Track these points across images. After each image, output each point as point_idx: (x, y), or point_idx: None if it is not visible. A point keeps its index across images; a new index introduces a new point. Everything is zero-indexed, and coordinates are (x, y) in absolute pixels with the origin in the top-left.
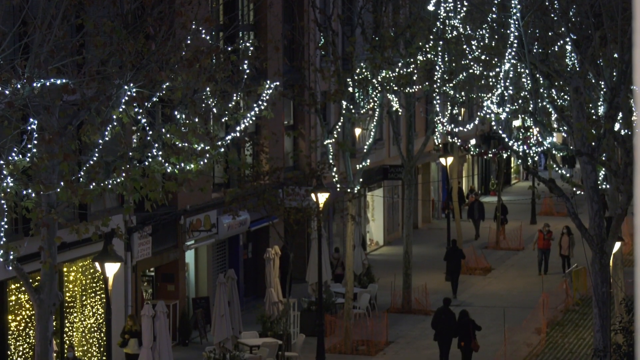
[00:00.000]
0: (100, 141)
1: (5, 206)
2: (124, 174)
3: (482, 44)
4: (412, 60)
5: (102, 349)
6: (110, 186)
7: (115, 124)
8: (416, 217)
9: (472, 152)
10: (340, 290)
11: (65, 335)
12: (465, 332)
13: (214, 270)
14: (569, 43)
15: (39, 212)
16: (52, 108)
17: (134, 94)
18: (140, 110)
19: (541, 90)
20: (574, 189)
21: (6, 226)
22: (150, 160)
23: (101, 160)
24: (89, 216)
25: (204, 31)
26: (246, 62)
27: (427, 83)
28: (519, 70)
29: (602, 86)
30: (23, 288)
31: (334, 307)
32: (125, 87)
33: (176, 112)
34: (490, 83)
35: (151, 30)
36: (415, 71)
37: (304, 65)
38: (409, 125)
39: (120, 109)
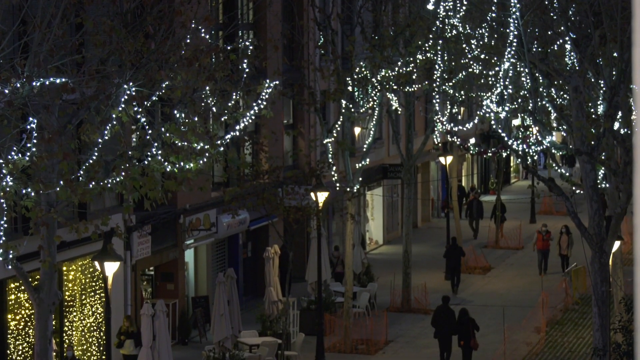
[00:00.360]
0: (100, 140)
1: (4, 205)
2: (123, 173)
3: (481, 43)
4: (411, 59)
5: (101, 348)
6: (109, 185)
7: (114, 123)
8: (416, 216)
9: (471, 151)
10: (340, 289)
11: (64, 335)
12: (464, 330)
13: (213, 269)
14: (569, 42)
15: (38, 211)
16: (51, 107)
17: (134, 93)
18: (140, 109)
19: (540, 89)
20: (574, 188)
21: (6, 225)
22: (149, 159)
23: (101, 159)
24: (89, 215)
25: (203, 30)
26: (245, 61)
27: (426, 82)
28: (518, 69)
29: (602, 85)
30: (22, 287)
31: (333, 306)
32: (125, 86)
33: (176, 111)
34: (490, 82)
35: (151, 29)
36: (415, 70)
37: (304, 65)
38: (409, 124)
39: (120, 108)
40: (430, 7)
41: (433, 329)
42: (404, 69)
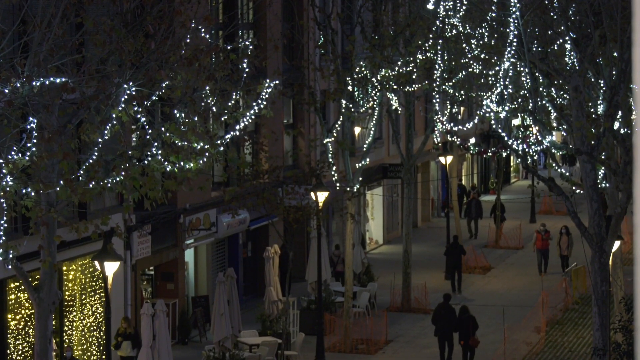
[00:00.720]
0: (100, 140)
1: (4, 205)
2: (123, 173)
3: (481, 42)
4: (411, 59)
5: (101, 348)
6: (109, 185)
7: (114, 122)
8: (416, 216)
9: (471, 151)
10: (340, 289)
11: (64, 334)
12: (464, 329)
13: (213, 269)
14: (569, 42)
15: (38, 211)
16: (51, 107)
17: (134, 93)
18: (140, 109)
19: (541, 89)
20: (574, 187)
21: (6, 225)
22: (149, 159)
23: (101, 159)
24: (89, 215)
25: (203, 30)
26: (246, 60)
27: (426, 82)
28: (518, 68)
29: (602, 85)
30: (23, 287)
31: (333, 306)
32: (125, 85)
33: (176, 111)
34: (490, 82)
35: (150, 29)
36: (415, 70)
37: (304, 64)
38: (409, 124)
39: (120, 108)
40: (430, 6)
41: (433, 329)
42: (404, 68)
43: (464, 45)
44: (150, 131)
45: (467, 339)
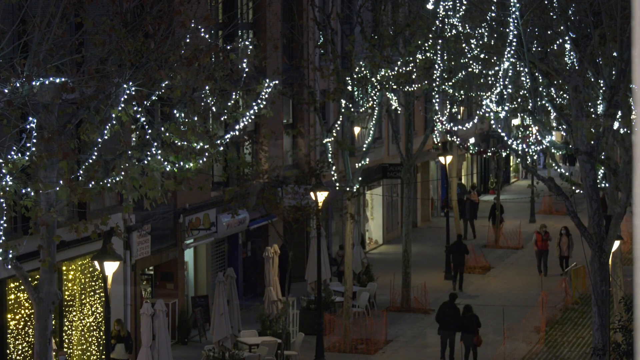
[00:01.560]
0: (100, 140)
1: (4, 205)
2: (123, 173)
3: (481, 42)
4: (411, 58)
5: (100, 348)
6: (109, 185)
7: (114, 122)
8: (415, 216)
9: (471, 151)
10: (340, 289)
11: (64, 334)
12: (467, 327)
13: (213, 268)
14: (568, 41)
15: (38, 211)
16: (51, 107)
17: (133, 93)
18: (140, 109)
19: (540, 88)
20: (573, 187)
21: (5, 225)
22: (149, 158)
23: (100, 159)
24: (88, 215)
25: (203, 30)
26: (245, 60)
27: (426, 82)
28: (518, 68)
29: (601, 85)
30: (22, 287)
31: (333, 306)
32: (125, 85)
33: (175, 111)
34: (490, 82)
35: (150, 28)
36: (415, 70)
37: (303, 64)
38: (408, 123)
39: (120, 108)
40: (429, 6)
41: (432, 329)
42: (404, 68)
43: (464, 45)
44: (150, 131)
45: (470, 338)
